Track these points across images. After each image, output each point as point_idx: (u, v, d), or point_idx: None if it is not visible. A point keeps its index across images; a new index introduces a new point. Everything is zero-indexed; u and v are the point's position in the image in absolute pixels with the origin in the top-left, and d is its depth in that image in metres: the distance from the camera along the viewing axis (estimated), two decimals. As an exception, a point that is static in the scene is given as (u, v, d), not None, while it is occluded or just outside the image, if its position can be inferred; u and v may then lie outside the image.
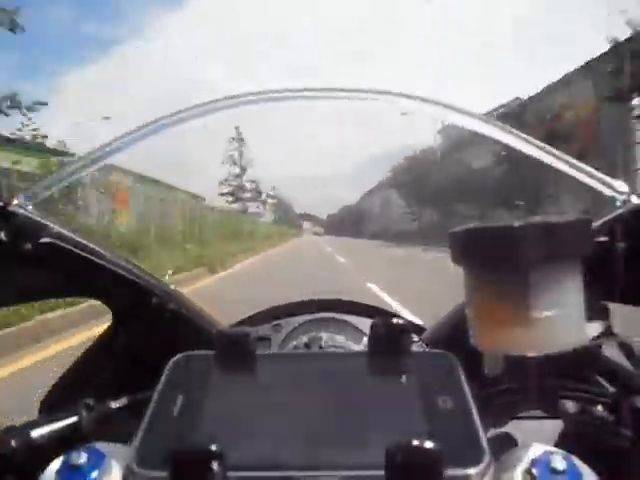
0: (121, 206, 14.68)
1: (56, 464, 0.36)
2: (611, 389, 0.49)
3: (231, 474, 0.32)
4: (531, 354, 0.37)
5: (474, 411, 0.37)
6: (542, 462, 0.35)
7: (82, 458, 0.35)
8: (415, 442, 0.31)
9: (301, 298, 0.74)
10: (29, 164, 9.74)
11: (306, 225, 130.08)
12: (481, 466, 0.33)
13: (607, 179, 0.48)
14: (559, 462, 0.34)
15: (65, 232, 0.49)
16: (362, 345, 0.62)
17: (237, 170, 54.62)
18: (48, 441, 0.44)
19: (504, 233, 0.35)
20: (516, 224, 0.35)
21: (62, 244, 0.48)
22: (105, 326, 0.57)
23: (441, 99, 0.54)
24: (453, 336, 0.49)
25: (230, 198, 53.53)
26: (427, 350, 0.50)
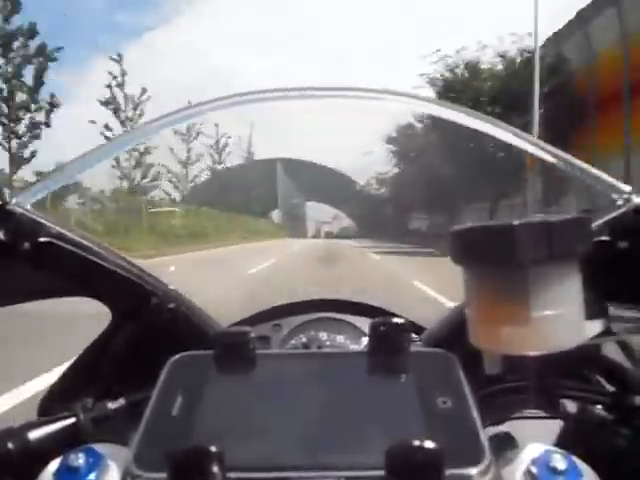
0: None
1: (54, 465, 0.36)
2: (611, 388, 0.49)
3: (231, 475, 0.32)
4: (531, 353, 0.37)
5: (474, 411, 0.37)
6: (542, 462, 0.35)
7: (80, 459, 0.35)
8: (415, 442, 0.30)
9: (301, 298, 0.74)
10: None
11: (310, 212, 65.37)
12: (481, 466, 0.33)
13: (608, 179, 0.48)
14: (559, 462, 0.34)
15: (64, 232, 0.49)
16: (362, 345, 0.62)
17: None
18: (46, 443, 0.44)
19: (504, 232, 0.35)
20: (516, 223, 0.35)
21: (61, 244, 0.48)
22: (104, 326, 0.57)
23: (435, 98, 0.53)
24: (453, 335, 0.49)
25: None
26: (427, 350, 0.50)
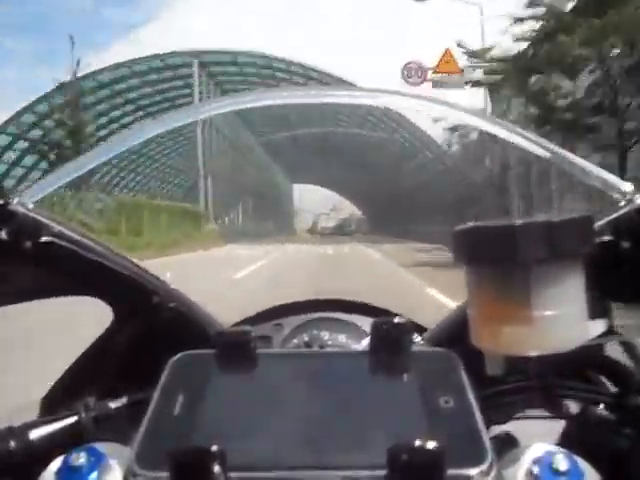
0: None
1: (55, 465, 0.36)
2: (613, 389, 0.49)
3: (232, 474, 0.32)
4: (533, 353, 0.37)
5: (476, 411, 0.37)
6: (544, 462, 0.34)
7: (82, 458, 0.35)
8: (417, 442, 0.30)
9: (302, 298, 0.74)
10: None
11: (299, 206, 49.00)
12: (483, 466, 0.33)
13: (611, 178, 0.48)
14: (561, 462, 0.34)
15: (66, 231, 0.49)
16: (363, 345, 0.62)
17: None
18: (47, 442, 0.44)
19: (506, 231, 0.35)
20: (518, 222, 0.34)
21: (63, 243, 0.48)
22: (105, 325, 0.57)
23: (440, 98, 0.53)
24: (455, 335, 0.49)
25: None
26: (429, 349, 0.50)
